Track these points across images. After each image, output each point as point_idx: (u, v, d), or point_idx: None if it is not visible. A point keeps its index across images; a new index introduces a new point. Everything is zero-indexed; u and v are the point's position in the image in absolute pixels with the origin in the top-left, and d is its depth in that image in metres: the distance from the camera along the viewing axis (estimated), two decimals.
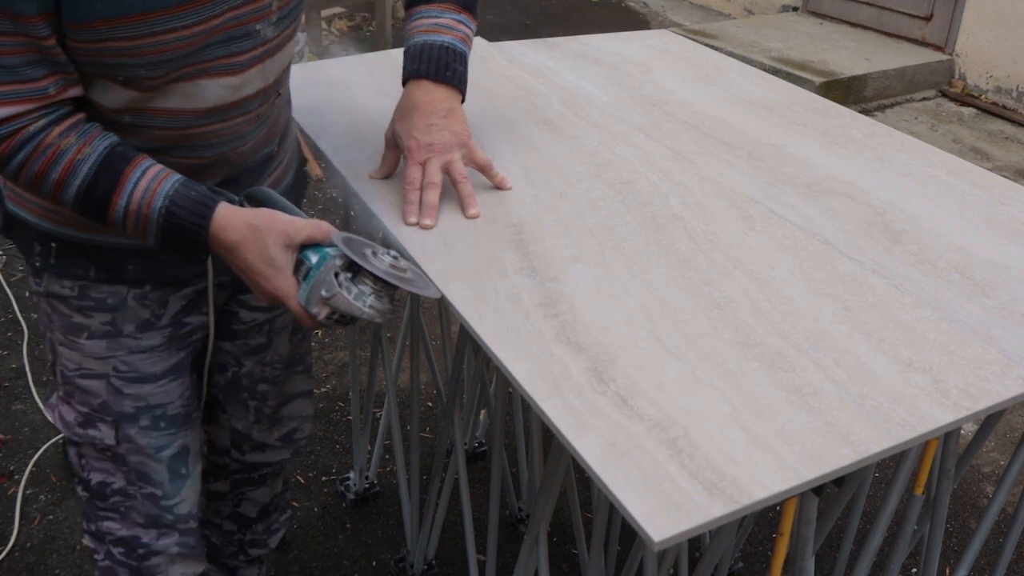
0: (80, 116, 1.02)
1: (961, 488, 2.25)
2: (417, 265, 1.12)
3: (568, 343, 1.00)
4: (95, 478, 1.29)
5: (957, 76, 4.71)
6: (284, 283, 1.04)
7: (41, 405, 2.32)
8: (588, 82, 1.74)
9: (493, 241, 1.19)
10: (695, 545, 1.93)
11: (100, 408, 1.24)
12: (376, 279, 1.02)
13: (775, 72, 4.30)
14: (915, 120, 4.39)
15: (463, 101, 1.27)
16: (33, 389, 2.37)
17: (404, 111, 1.25)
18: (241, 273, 1.07)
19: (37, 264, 1.18)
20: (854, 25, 5.15)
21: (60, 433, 2.21)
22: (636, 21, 5.87)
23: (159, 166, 1.05)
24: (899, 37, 4.94)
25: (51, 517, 2.01)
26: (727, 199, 1.32)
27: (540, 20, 5.83)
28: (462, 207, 1.24)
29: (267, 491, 1.56)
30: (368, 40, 5.23)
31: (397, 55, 1.82)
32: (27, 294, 2.76)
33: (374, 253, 1.05)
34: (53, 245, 1.16)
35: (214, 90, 1.06)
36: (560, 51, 1.91)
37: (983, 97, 4.59)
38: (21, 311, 2.66)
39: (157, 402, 1.25)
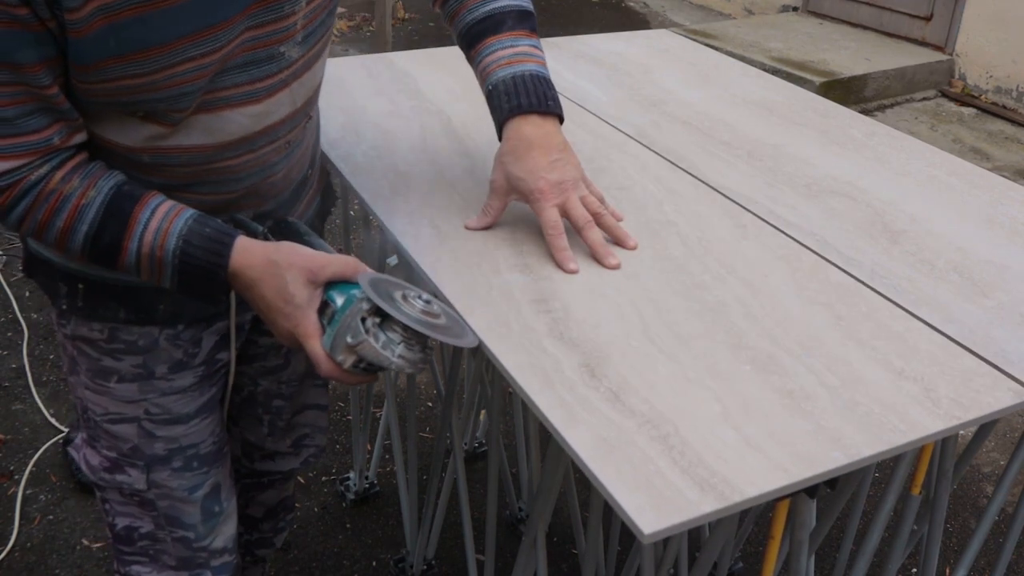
0: (83, 157, 0.95)
1: (961, 488, 2.24)
2: (453, 308, 1.03)
3: (560, 339, 1.00)
4: (120, 523, 1.23)
5: (957, 76, 4.70)
6: (304, 322, 0.95)
7: (41, 405, 2.32)
8: (588, 82, 1.74)
9: (486, 238, 1.19)
10: (695, 545, 1.93)
11: (130, 452, 1.17)
12: (407, 327, 0.92)
13: (775, 72, 4.29)
14: (915, 120, 4.38)
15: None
16: (33, 389, 2.37)
17: (518, 151, 1.15)
18: (260, 313, 0.99)
19: (63, 307, 1.11)
20: (854, 25, 5.15)
21: (60, 433, 2.22)
22: (636, 21, 5.87)
23: (170, 203, 0.97)
24: (899, 37, 4.93)
25: (51, 517, 2.01)
26: (721, 208, 1.31)
27: (540, 20, 5.81)
28: (619, 241, 1.17)
29: (275, 494, 1.55)
30: (368, 40, 5.23)
31: (395, 58, 1.84)
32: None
33: (404, 297, 0.94)
34: (80, 286, 1.09)
35: (238, 120, 0.99)
36: (560, 51, 1.91)
37: (983, 97, 4.58)
38: (21, 311, 2.66)
39: (190, 442, 1.19)
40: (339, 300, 0.95)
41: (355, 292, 0.94)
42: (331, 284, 0.96)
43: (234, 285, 0.98)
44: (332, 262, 0.96)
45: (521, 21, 1.18)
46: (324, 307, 0.96)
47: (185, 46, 0.89)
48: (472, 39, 1.19)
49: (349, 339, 0.92)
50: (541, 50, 1.20)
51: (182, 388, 1.16)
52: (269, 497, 1.54)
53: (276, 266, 0.95)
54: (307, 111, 1.10)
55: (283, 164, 1.10)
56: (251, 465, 1.47)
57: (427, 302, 0.95)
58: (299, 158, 1.14)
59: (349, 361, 0.93)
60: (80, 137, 0.94)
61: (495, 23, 1.17)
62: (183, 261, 0.95)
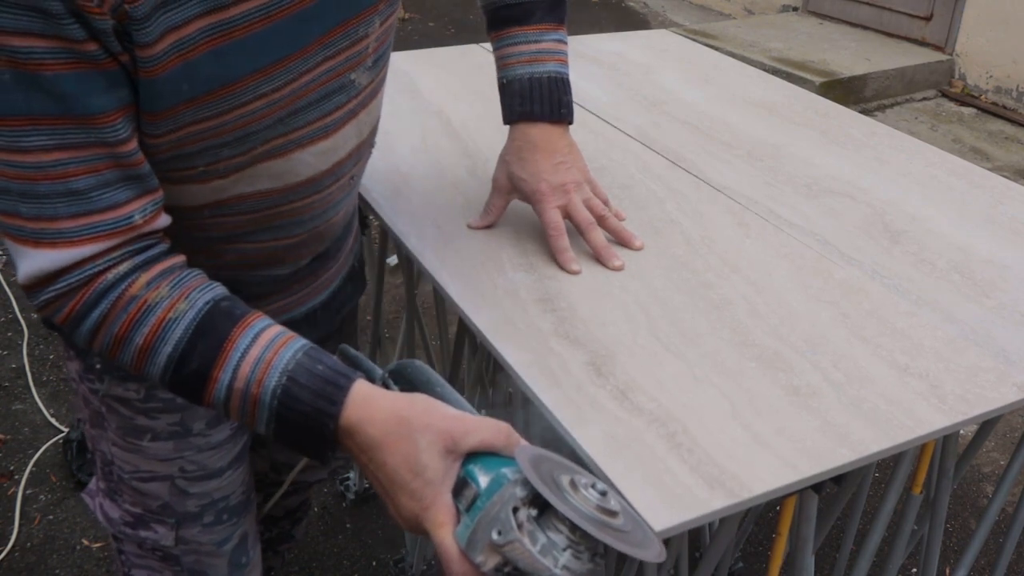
0: (176, 260, 0.80)
1: (961, 488, 2.24)
2: (628, 503, 0.79)
3: (566, 338, 1.01)
4: (137, 574, 1.14)
5: (957, 76, 4.71)
6: (435, 504, 0.72)
7: (41, 405, 2.32)
8: (588, 82, 1.74)
9: (490, 237, 1.20)
10: (695, 546, 1.93)
11: (159, 510, 1.08)
12: (576, 527, 0.68)
13: (775, 72, 4.30)
14: (915, 120, 4.39)
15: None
16: (33, 389, 2.37)
17: (522, 152, 1.14)
18: (377, 484, 0.77)
19: (97, 366, 1.00)
20: (854, 25, 5.15)
21: (60, 433, 2.22)
22: (636, 21, 5.87)
23: (278, 328, 0.79)
24: (899, 37, 4.94)
25: (51, 517, 2.01)
26: (723, 206, 1.32)
27: None
28: (624, 242, 1.18)
29: (298, 499, 1.53)
30: None
31: (394, 58, 1.83)
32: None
33: (574, 484, 0.70)
34: None
35: (305, 160, 0.88)
36: None
37: (983, 97, 4.58)
38: (21, 311, 2.66)
39: (222, 495, 1.11)
40: (483, 480, 0.72)
41: (506, 471, 0.72)
42: (471, 456, 0.74)
43: (347, 444, 0.77)
44: (479, 427, 0.74)
45: (551, 11, 1.15)
46: (462, 486, 0.73)
47: (258, 81, 0.79)
48: (498, 22, 1.16)
49: (495, 535, 0.69)
50: (565, 43, 1.17)
51: (219, 443, 1.08)
52: (292, 502, 1.53)
53: (407, 425, 0.74)
54: (371, 141, 1.02)
55: (344, 202, 1.01)
56: (279, 477, 1.42)
57: (602, 493, 0.70)
58: (355, 193, 1.08)
59: (491, 563, 0.70)
60: (163, 220, 0.80)
61: (524, 12, 1.14)
62: (283, 404, 0.76)
